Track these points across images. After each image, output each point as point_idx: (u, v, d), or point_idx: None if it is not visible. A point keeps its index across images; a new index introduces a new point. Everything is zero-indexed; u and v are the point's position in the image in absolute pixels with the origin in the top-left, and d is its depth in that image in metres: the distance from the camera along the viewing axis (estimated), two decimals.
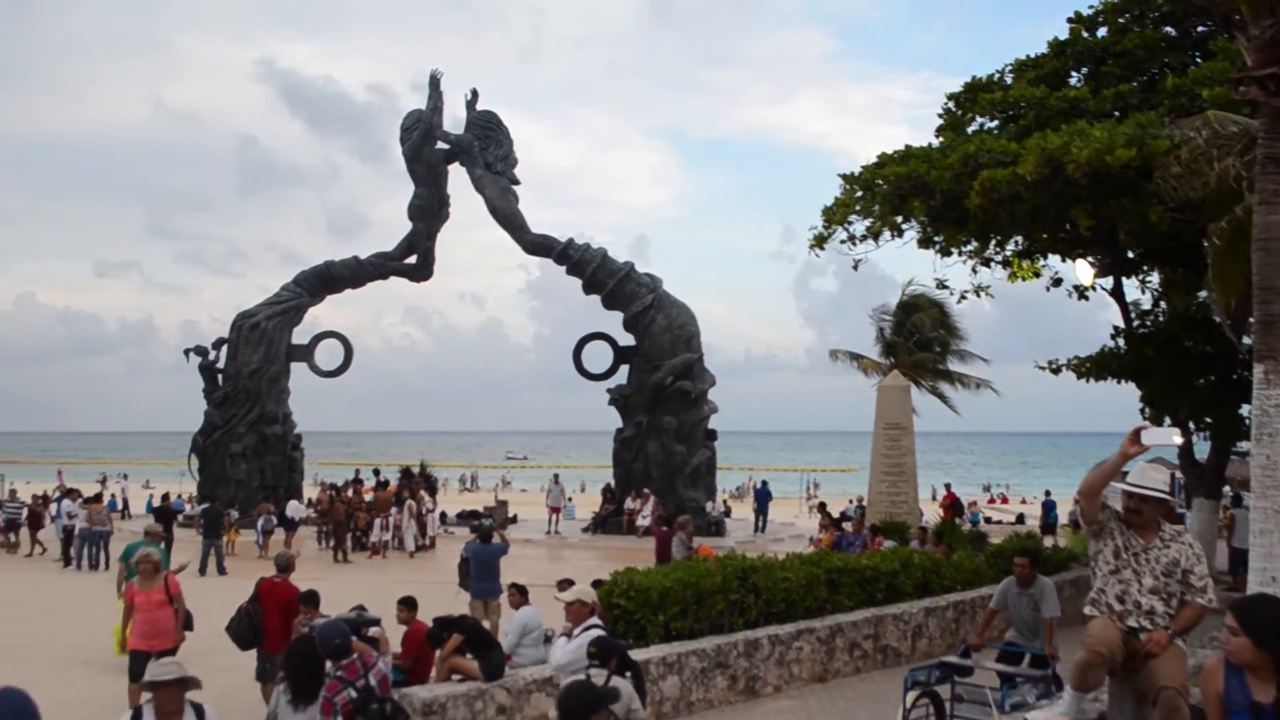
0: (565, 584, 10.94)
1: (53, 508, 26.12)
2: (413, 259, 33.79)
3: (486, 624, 12.37)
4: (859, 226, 18.48)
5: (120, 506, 35.20)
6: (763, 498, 33.24)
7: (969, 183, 15.65)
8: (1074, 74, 19.23)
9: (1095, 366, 19.67)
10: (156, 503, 28.01)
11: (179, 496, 30.70)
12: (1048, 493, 34.20)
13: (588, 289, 31.89)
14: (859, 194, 18.20)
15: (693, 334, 31.24)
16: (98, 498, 25.68)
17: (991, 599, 10.38)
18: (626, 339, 32.00)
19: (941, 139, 19.28)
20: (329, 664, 7.04)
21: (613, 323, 32.38)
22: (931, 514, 30.58)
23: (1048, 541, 22.79)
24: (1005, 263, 19.97)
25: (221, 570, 22.39)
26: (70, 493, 26.83)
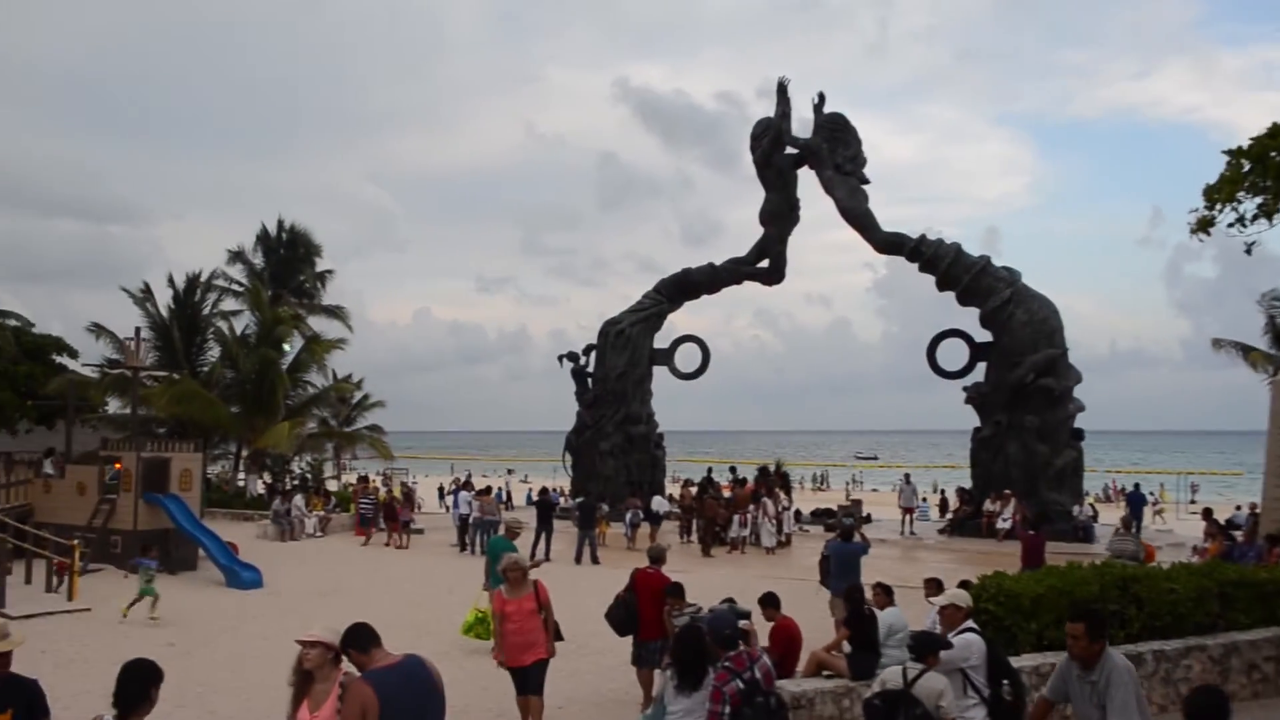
0: (932, 584, 10.84)
1: (448, 499, 29.02)
2: (765, 263, 34.46)
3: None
4: (1249, 205, 16.78)
5: (504, 499, 38.79)
6: (1136, 502, 30.93)
7: None
8: None
9: None
10: (535, 496, 30.47)
11: (554, 490, 33.18)
12: None
13: (941, 285, 31.11)
14: (1248, 169, 16.53)
15: (1055, 328, 29.63)
16: (488, 490, 28.33)
17: (1046, 684, 7.06)
18: (983, 335, 30.92)
19: None
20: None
21: (967, 319, 31.43)
22: None
23: None
24: None
25: (595, 559, 24.04)
26: (465, 485, 29.87)
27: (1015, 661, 9.89)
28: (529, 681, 9.71)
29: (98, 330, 39.19)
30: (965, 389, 31.10)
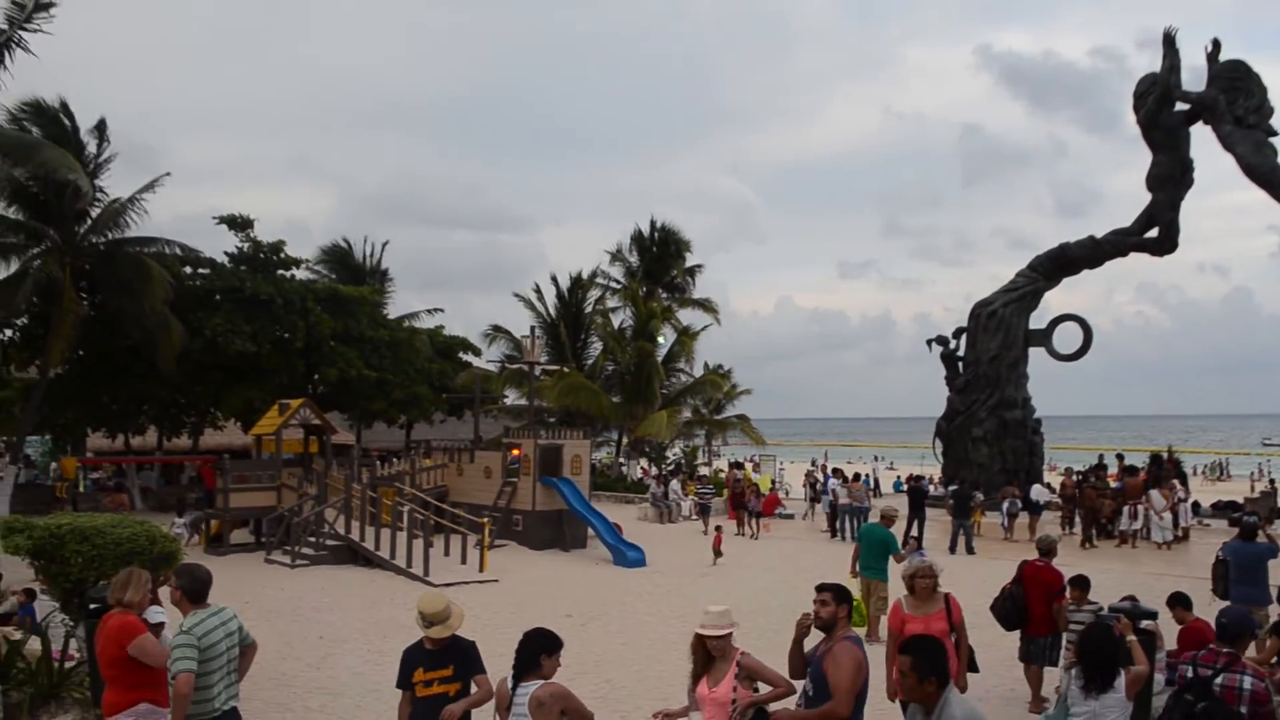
0: None
1: (818, 486, 29.35)
2: (1153, 232, 31.82)
3: None
4: None
5: (872, 486, 38.55)
6: None
7: None
8: None
9: None
10: (904, 483, 30.02)
11: (926, 478, 32.50)
12: None
13: None
14: None
15: None
16: (857, 477, 28.35)
17: None
18: None
19: None
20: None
21: None
22: None
23: None
24: None
25: (970, 549, 23.38)
26: (835, 472, 30.07)
27: None
28: None
29: (495, 331, 43.99)
30: None
